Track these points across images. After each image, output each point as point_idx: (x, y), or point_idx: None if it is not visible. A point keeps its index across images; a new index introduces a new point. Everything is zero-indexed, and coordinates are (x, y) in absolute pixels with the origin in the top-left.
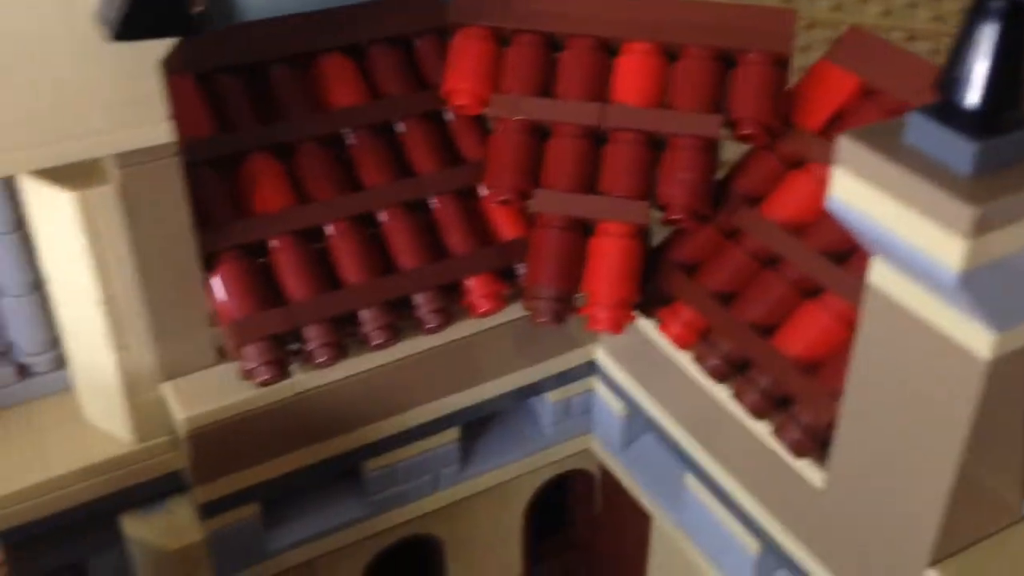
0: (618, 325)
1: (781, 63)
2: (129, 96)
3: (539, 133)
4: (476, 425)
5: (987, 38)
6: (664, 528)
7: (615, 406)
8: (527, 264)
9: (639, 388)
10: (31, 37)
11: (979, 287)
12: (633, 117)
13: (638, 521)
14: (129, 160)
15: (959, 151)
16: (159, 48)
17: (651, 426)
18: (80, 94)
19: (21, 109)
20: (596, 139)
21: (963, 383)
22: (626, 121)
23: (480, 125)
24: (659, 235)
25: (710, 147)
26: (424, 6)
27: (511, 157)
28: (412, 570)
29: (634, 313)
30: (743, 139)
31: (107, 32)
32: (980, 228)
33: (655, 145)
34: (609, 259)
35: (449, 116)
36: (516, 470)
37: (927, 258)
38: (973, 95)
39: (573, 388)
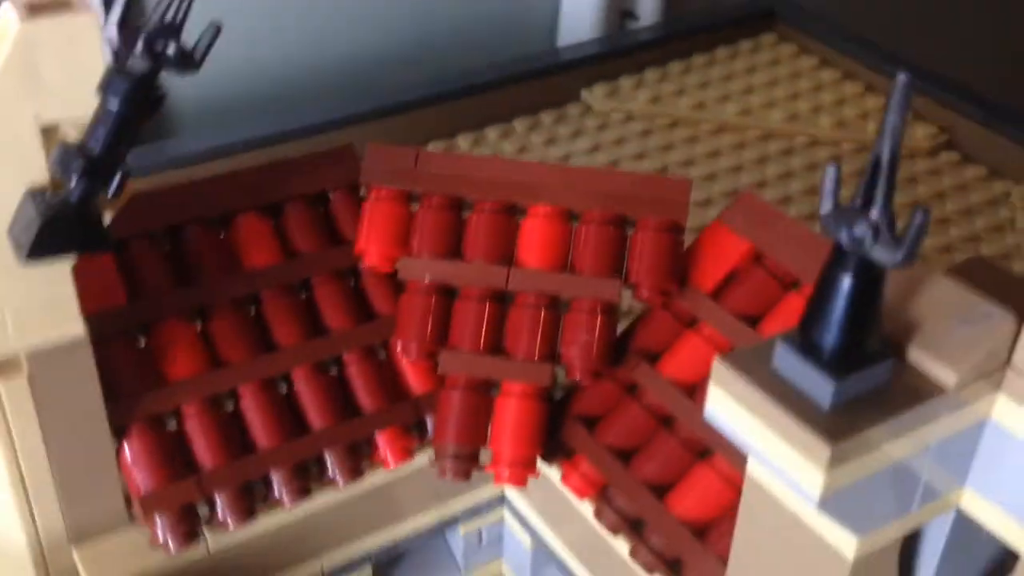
0: (522, 480)
1: (677, 228)
2: (41, 301)
3: (448, 292)
4: (389, 562)
5: (841, 289)
6: None
7: (524, 538)
8: (435, 422)
9: (545, 525)
10: None
11: (839, 505)
12: (536, 281)
13: None
14: (40, 355)
15: (819, 386)
16: (71, 258)
17: (556, 561)
18: None
19: None
20: (502, 299)
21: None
22: (530, 284)
23: (392, 280)
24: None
25: (610, 309)
26: (339, 163)
27: (419, 320)
28: None
29: (537, 468)
30: (641, 301)
31: (18, 253)
32: (837, 461)
33: (558, 306)
34: (512, 419)
35: (362, 271)
36: None
37: (791, 480)
38: (830, 338)
39: (484, 519)
